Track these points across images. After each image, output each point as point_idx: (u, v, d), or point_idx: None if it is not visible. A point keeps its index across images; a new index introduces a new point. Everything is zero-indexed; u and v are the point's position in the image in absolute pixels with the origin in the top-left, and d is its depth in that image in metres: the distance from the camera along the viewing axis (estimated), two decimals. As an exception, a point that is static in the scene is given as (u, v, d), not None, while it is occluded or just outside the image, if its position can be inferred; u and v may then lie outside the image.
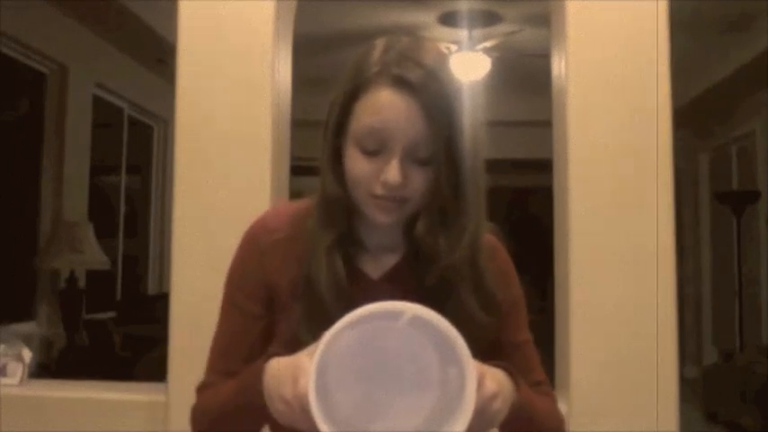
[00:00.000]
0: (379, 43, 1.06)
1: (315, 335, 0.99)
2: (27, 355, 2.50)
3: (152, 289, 6.37)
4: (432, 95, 1.00)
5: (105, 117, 5.65)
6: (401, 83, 1.00)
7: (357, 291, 1.05)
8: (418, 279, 1.07)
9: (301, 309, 1.05)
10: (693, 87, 6.80)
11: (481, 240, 1.08)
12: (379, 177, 1.02)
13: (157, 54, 5.52)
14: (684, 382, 2.85)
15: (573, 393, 2.22)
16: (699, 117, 7.14)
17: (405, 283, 1.08)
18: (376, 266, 1.12)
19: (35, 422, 2.37)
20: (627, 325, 2.22)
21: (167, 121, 6.36)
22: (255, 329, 1.11)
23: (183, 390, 2.43)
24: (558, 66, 2.45)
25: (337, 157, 1.06)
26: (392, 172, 1.01)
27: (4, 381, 2.44)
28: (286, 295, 1.08)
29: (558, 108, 2.45)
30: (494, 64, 5.74)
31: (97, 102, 5.43)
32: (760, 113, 6.18)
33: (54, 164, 4.92)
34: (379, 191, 1.02)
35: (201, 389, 1.13)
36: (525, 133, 6.32)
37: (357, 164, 1.03)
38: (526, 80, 5.64)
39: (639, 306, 2.22)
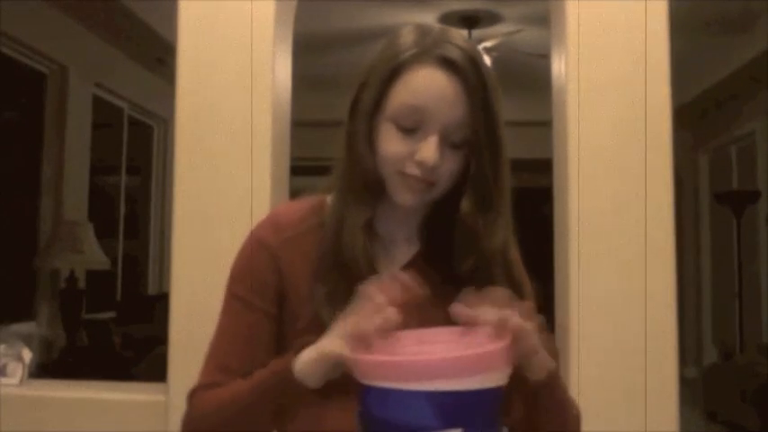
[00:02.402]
0: (410, 28, 1.06)
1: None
2: (27, 355, 2.50)
3: (152, 289, 6.37)
4: (473, 78, 1.01)
5: (105, 117, 5.65)
6: (445, 63, 1.00)
7: None
8: (441, 271, 1.06)
9: (326, 291, 1.03)
10: (693, 87, 6.80)
11: (511, 228, 1.08)
12: (413, 156, 1.00)
13: (157, 54, 5.52)
14: (684, 382, 2.85)
15: (572, 393, 2.22)
16: (699, 117, 7.15)
17: (423, 277, 1.07)
18: (387, 260, 1.09)
19: (35, 422, 2.37)
20: (627, 325, 2.22)
21: (167, 121, 6.35)
22: (265, 328, 1.07)
23: (182, 390, 2.42)
24: (558, 66, 2.45)
25: (369, 136, 1.05)
26: (430, 150, 0.99)
27: (4, 381, 2.44)
28: (304, 294, 1.05)
29: (558, 108, 2.45)
30: (494, 64, 5.75)
31: (97, 102, 5.43)
32: (760, 113, 6.18)
33: (54, 164, 4.92)
34: (411, 170, 1.01)
35: (202, 389, 1.07)
36: (525, 133, 6.32)
37: (392, 141, 1.02)
38: (526, 80, 5.64)
39: (639, 306, 2.22)
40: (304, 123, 3.28)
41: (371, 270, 1.03)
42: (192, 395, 1.08)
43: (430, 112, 1.00)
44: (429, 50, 1.01)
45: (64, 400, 2.44)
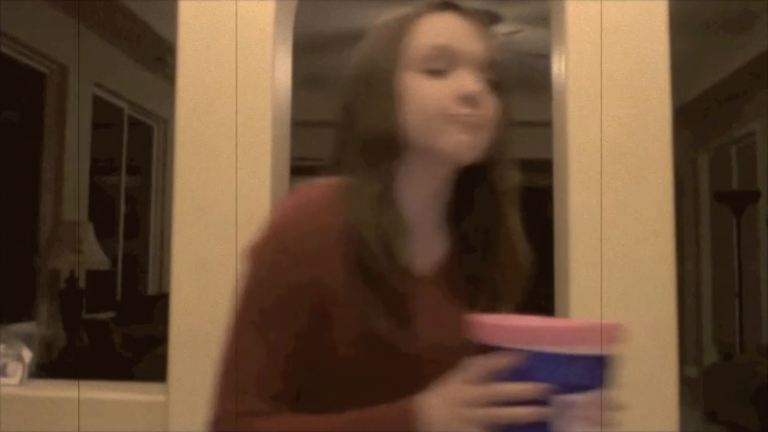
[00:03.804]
0: (390, 13, 1.02)
1: (388, 322, 0.93)
2: (27, 355, 2.50)
3: (152, 289, 6.37)
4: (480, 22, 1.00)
5: (105, 117, 5.65)
6: (456, 8, 0.99)
7: (403, 288, 0.95)
8: (470, 265, 1.03)
9: (362, 298, 0.93)
10: (693, 87, 6.81)
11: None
12: (455, 94, 0.94)
13: (157, 54, 5.52)
14: (684, 382, 2.85)
15: (573, 393, 2.22)
16: (699, 117, 7.15)
17: (455, 280, 1.02)
18: (417, 255, 0.99)
19: (35, 422, 2.37)
20: (626, 325, 2.22)
21: (167, 121, 6.36)
22: (299, 345, 0.95)
23: (183, 390, 2.43)
24: (558, 66, 2.45)
25: (391, 96, 0.97)
26: (470, 80, 0.94)
27: (4, 381, 2.44)
28: (350, 301, 0.95)
29: (558, 108, 2.45)
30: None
31: (97, 102, 5.43)
32: (760, 113, 6.18)
33: (54, 164, 4.92)
34: (457, 110, 0.94)
35: (246, 416, 0.93)
36: (525, 133, 6.35)
37: (424, 88, 0.95)
38: (526, 80, 5.64)
39: (639, 306, 2.22)
40: (304, 123, 3.28)
41: (391, 255, 0.93)
42: (222, 422, 0.94)
43: (457, 49, 0.96)
44: (431, 4, 1.00)
45: (64, 400, 2.44)
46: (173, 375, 2.30)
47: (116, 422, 2.37)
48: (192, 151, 2.37)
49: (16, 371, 2.47)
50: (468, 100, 0.94)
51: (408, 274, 0.97)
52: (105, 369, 4.19)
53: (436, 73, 0.95)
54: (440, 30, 0.97)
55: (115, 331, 5.02)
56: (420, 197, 1.00)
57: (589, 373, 0.86)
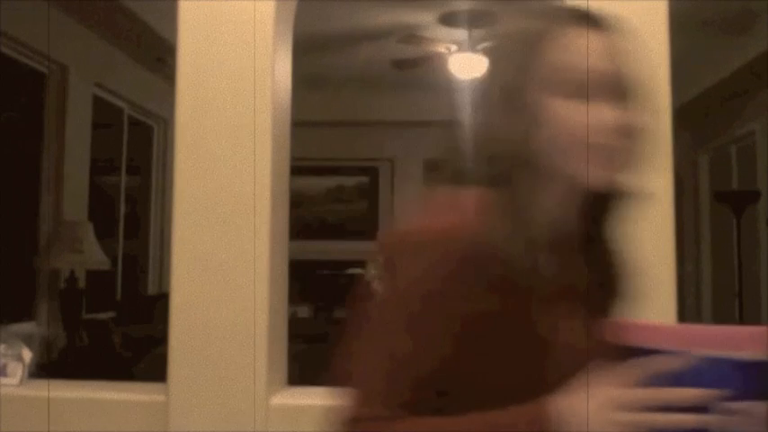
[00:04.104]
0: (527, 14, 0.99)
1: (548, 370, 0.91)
2: (27, 355, 2.50)
3: (152, 289, 6.37)
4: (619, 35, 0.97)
5: (105, 117, 5.65)
6: (599, 24, 0.96)
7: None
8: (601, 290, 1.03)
9: (509, 311, 0.91)
10: (693, 87, 6.80)
11: None
12: (596, 124, 0.91)
13: (157, 54, 5.52)
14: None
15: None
16: (699, 117, 7.14)
17: (590, 288, 1.02)
18: (555, 267, 0.98)
19: (35, 422, 2.37)
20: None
21: (167, 121, 6.36)
22: (440, 353, 0.91)
23: (183, 390, 2.44)
24: (558, 66, 2.45)
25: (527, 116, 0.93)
26: (614, 111, 0.91)
27: (4, 381, 2.44)
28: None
29: (558, 108, 2.45)
30: (494, 64, 5.73)
31: (97, 102, 5.43)
32: (760, 113, 6.18)
33: (54, 164, 4.92)
34: (600, 140, 0.91)
35: (378, 420, 0.89)
36: (525, 133, 6.32)
37: (568, 112, 0.91)
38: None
39: (639, 306, 2.22)
40: (304, 123, 3.28)
41: (528, 267, 0.91)
42: (356, 425, 0.90)
43: (603, 74, 0.93)
44: (574, 13, 0.96)
45: (64, 400, 2.44)
46: (173, 375, 2.30)
47: (116, 422, 2.37)
48: (192, 151, 2.37)
49: (16, 371, 2.47)
50: (613, 132, 0.91)
51: (546, 285, 0.95)
52: (105, 369, 4.19)
53: (579, 97, 0.91)
54: (585, 51, 0.93)
55: (115, 331, 5.02)
56: (555, 211, 0.98)
57: (756, 380, 0.80)
